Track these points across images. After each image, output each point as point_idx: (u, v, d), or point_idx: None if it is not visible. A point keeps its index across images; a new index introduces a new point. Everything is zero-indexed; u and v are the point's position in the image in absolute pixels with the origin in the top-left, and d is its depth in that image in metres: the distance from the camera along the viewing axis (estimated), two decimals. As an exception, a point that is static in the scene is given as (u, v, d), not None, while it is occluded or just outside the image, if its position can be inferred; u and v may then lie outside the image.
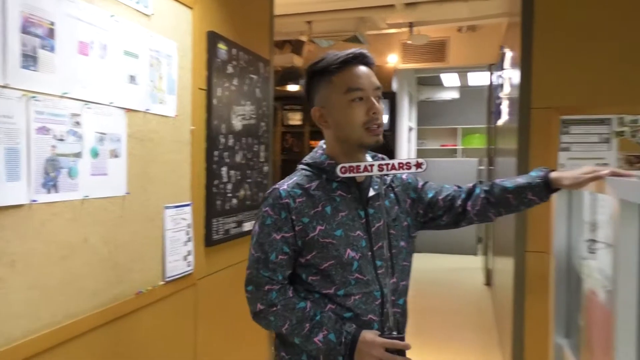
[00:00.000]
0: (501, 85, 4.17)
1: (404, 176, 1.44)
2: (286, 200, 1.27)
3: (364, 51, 1.31)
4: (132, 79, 1.73)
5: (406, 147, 6.89)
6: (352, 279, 1.27)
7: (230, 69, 2.42)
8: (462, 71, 6.67)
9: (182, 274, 2.04)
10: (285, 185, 1.31)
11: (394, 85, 5.95)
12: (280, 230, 1.26)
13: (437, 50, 5.44)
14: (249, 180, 2.65)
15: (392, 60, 5.64)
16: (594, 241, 1.74)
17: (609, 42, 2.69)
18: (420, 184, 1.47)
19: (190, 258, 2.09)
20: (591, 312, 1.63)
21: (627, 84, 2.67)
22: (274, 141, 3.13)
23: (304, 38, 4.94)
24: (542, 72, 2.75)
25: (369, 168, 1.21)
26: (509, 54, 3.70)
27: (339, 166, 1.22)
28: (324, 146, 1.38)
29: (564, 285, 1.82)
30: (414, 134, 7.81)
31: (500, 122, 4.29)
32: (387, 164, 1.21)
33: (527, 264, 2.71)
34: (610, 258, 1.67)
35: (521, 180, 1.38)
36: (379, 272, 1.29)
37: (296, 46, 5.16)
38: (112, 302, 1.64)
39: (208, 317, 2.30)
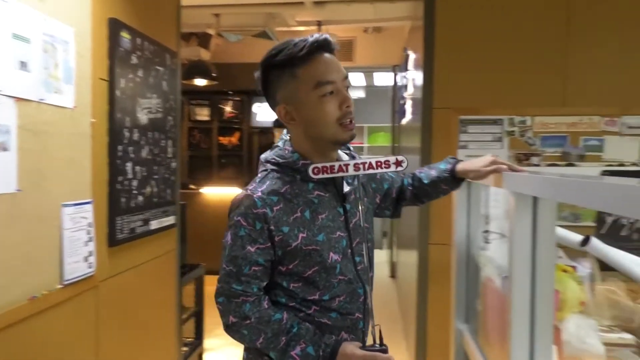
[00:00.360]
0: (405, 86, 4.35)
1: None
2: (263, 210, 1.14)
3: (328, 36, 1.18)
4: (23, 65, 1.59)
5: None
6: (336, 282, 1.21)
7: (134, 60, 2.30)
8: (368, 71, 6.88)
9: (83, 276, 1.91)
10: (259, 192, 1.17)
11: (303, 83, 5.99)
12: (255, 242, 1.15)
13: (344, 49, 5.56)
14: (155, 176, 2.54)
15: (301, 57, 5.68)
16: (489, 232, 1.88)
17: (502, 50, 2.91)
18: (378, 175, 1.43)
19: (92, 259, 1.96)
20: (488, 297, 1.76)
21: (516, 88, 2.91)
22: (180, 137, 3.03)
23: (211, 31, 4.82)
24: (442, 75, 2.92)
25: (344, 168, 1.13)
26: (412, 56, 3.87)
27: (311, 167, 1.13)
28: (289, 140, 1.26)
29: (463, 274, 1.95)
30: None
31: (404, 121, 4.48)
32: (364, 163, 1.14)
33: (430, 256, 2.86)
34: (503, 247, 1.81)
35: (433, 173, 1.46)
36: (358, 268, 1.25)
37: (203, 39, 5.02)
38: (1, 309, 1.50)
39: (111, 322, 2.18)
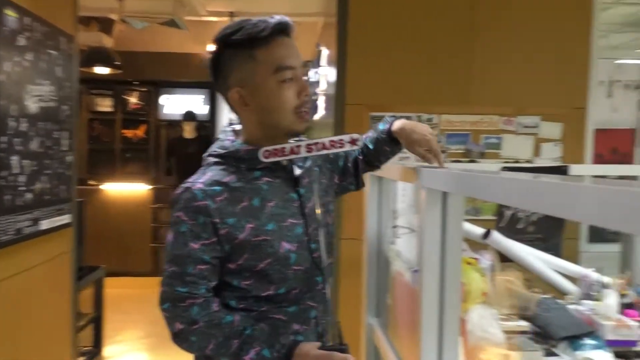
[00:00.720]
0: (317, 82, 4.36)
1: None
2: (204, 202, 1.06)
3: (288, 19, 1.10)
4: None
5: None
6: (291, 273, 1.13)
7: (22, 41, 2.07)
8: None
9: (-43, 284, 1.69)
10: (199, 183, 1.08)
11: (214, 75, 5.84)
12: (198, 238, 1.06)
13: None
14: (47, 171, 2.32)
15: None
16: (397, 227, 1.91)
17: (411, 49, 2.99)
18: (332, 155, 1.33)
19: (-31, 264, 1.74)
20: (397, 291, 1.79)
21: (425, 86, 3.01)
22: (79, 128, 2.80)
23: (114, 16, 4.52)
24: (355, 71, 2.95)
25: (296, 150, 1.07)
26: (325, 52, 3.88)
27: (262, 150, 1.07)
28: (235, 130, 1.20)
29: (374, 269, 1.97)
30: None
31: (317, 117, 4.49)
32: (317, 143, 1.07)
33: (342, 251, 2.88)
34: (411, 242, 1.85)
35: (372, 134, 1.32)
36: (314, 255, 1.17)
37: (105, 25, 4.70)
38: None
39: (-6, 332, 1.95)
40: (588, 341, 1.58)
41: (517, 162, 3.08)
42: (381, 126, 1.30)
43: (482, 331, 1.51)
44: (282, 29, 1.09)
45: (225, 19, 4.54)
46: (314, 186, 1.20)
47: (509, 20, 3.07)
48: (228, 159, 1.13)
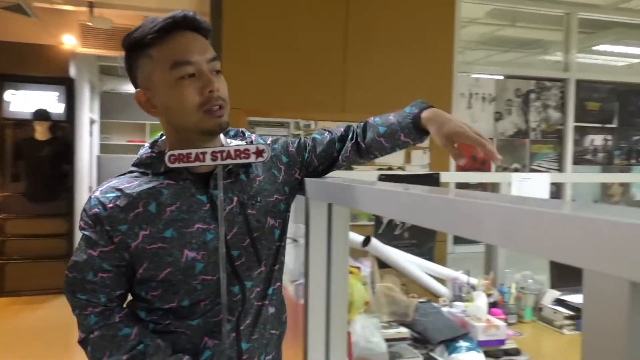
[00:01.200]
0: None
1: (268, 140, 1.21)
2: (95, 210, 1.01)
3: (190, 13, 1.03)
4: None
5: (88, 141, 6.22)
6: (197, 284, 1.03)
7: None
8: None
9: None
10: (98, 191, 1.04)
11: (72, 71, 5.28)
12: (96, 245, 1.01)
13: (118, 38, 5.07)
14: None
15: (69, 42, 4.98)
16: (280, 237, 1.83)
17: (288, 56, 2.96)
18: (293, 146, 1.21)
19: None
20: (278, 305, 1.71)
21: (301, 93, 2.99)
22: None
23: (-54, -3, 3.86)
24: (231, 75, 2.80)
25: (201, 157, 0.98)
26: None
27: (168, 154, 0.97)
28: (155, 139, 1.12)
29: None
30: (96, 127, 7.13)
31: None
32: (222, 152, 0.98)
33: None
34: (292, 253, 1.78)
35: (393, 119, 1.15)
36: (236, 264, 1.06)
37: None
38: None
39: None
40: (463, 343, 1.64)
41: (390, 169, 3.18)
42: (408, 109, 1.13)
43: (365, 341, 1.49)
44: (177, 23, 1.01)
45: (84, 8, 4.14)
46: (243, 187, 1.08)
47: (380, 33, 3.17)
48: (140, 167, 1.07)
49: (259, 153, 0.98)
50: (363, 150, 1.17)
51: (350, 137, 1.20)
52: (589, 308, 0.39)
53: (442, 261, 2.58)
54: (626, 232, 0.34)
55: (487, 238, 0.53)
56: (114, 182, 1.04)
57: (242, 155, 0.98)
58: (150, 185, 1.03)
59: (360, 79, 3.13)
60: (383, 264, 2.00)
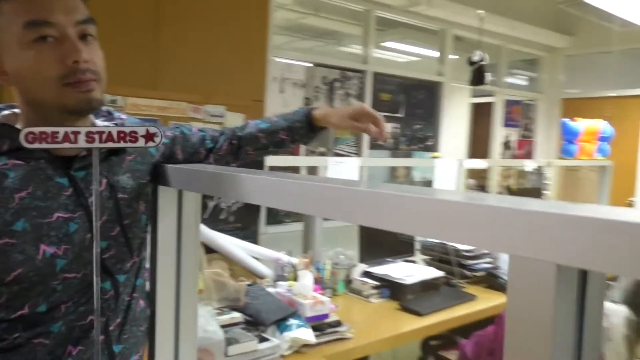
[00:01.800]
0: None
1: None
2: None
3: None
4: None
5: None
6: (57, 284, 0.85)
7: None
8: None
9: None
10: None
11: None
12: None
13: None
14: None
15: None
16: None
17: (112, 30, 2.64)
18: (168, 140, 1.06)
19: None
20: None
21: (108, 67, 2.70)
22: None
23: None
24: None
25: (72, 137, 0.75)
26: None
27: (24, 131, 0.73)
28: (3, 114, 0.89)
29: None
30: None
31: None
32: (101, 133, 0.76)
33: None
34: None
35: (277, 118, 1.14)
36: (105, 256, 0.90)
37: None
38: None
39: None
40: (293, 321, 1.71)
41: (205, 150, 3.10)
42: (295, 111, 1.14)
43: (203, 331, 1.45)
44: None
45: None
46: (105, 165, 0.92)
47: (194, 8, 3.04)
48: None
49: (149, 137, 0.79)
50: (235, 147, 1.13)
51: (225, 135, 1.14)
52: (513, 289, 0.44)
53: (258, 242, 2.64)
54: (549, 220, 0.39)
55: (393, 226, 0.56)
56: None
57: (128, 138, 0.79)
58: None
59: (173, 55, 2.96)
60: (209, 249, 1.96)
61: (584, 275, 0.42)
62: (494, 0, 4.71)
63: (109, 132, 0.76)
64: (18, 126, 0.87)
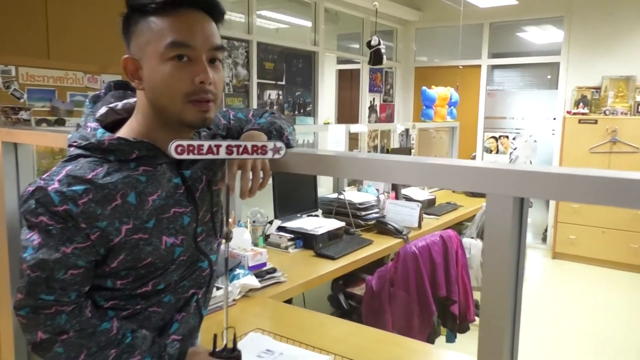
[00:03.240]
0: None
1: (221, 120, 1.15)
2: (64, 207, 0.87)
3: None
4: None
5: None
6: (174, 267, 1.00)
7: None
8: None
9: None
10: (55, 182, 0.88)
11: None
12: (69, 241, 0.89)
13: None
14: None
15: None
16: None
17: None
18: (224, 121, 1.16)
19: None
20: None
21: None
22: None
23: None
24: None
25: (215, 150, 0.88)
26: None
27: (174, 144, 0.85)
28: (101, 113, 0.99)
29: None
30: None
31: None
32: (239, 146, 0.90)
33: None
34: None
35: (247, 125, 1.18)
36: (198, 240, 1.04)
37: None
38: None
39: None
40: (239, 271, 1.97)
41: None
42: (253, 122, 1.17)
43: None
44: (191, 2, 0.92)
45: None
46: (202, 164, 1.04)
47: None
48: (93, 150, 0.93)
49: (276, 150, 0.93)
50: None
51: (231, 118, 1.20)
52: (490, 218, 0.78)
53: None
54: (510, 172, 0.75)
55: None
56: (72, 170, 0.90)
57: (260, 151, 0.93)
58: (124, 173, 0.93)
59: (65, 24, 2.88)
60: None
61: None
62: (361, -23, 5.15)
63: (245, 146, 0.91)
64: (123, 134, 0.97)
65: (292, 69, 4.84)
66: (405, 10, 5.94)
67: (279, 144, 0.93)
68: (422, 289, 2.41)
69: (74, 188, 0.88)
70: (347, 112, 6.48)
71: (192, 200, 1.01)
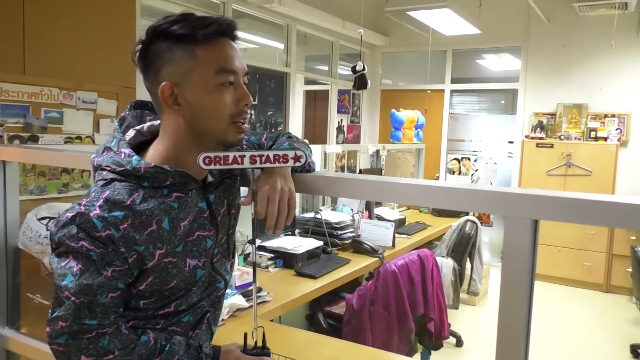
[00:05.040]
0: None
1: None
2: (107, 232, 0.89)
3: (234, 21, 0.98)
4: None
5: None
6: (195, 288, 1.03)
7: None
8: None
9: None
10: (96, 208, 0.90)
11: None
12: (109, 265, 0.91)
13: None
14: None
15: None
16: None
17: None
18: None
19: None
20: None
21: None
22: None
23: None
24: None
25: (239, 160, 0.94)
26: None
27: (202, 155, 0.92)
28: (130, 137, 1.03)
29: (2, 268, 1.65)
30: None
31: None
32: (261, 156, 0.95)
33: None
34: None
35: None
36: (214, 261, 1.07)
37: None
38: None
39: None
40: (227, 291, 1.98)
41: (79, 137, 3.03)
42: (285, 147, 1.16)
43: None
44: (226, 30, 0.97)
45: None
46: (223, 188, 1.07)
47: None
48: (127, 176, 0.95)
49: (296, 158, 0.96)
50: None
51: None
52: (508, 239, 0.85)
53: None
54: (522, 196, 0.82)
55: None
56: (111, 196, 0.91)
57: (282, 159, 0.96)
58: (159, 199, 0.95)
59: (42, 39, 2.83)
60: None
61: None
62: (330, 3, 5.29)
63: (267, 155, 0.96)
64: (150, 157, 0.99)
65: (265, 89, 4.89)
66: (373, 35, 6.11)
67: (299, 153, 0.97)
68: (402, 307, 2.47)
69: (114, 214, 0.90)
70: (312, 132, 6.58)
71: (215, 224, 1.04)
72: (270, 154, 0.96)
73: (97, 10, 3.13)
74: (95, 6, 3.11)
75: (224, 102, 0.96)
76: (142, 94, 3.41)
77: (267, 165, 0.97)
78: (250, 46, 5.32)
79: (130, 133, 1.04)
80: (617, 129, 5.33)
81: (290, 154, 0.97)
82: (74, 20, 2.99)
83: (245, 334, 1.06)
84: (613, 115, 5.37)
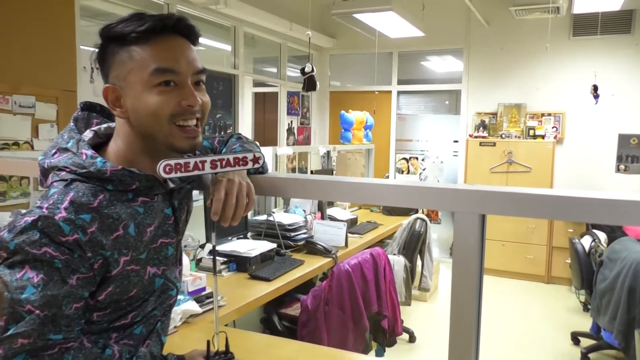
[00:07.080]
0: None
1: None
2: (74, 236, 0.83)
3: (183, 17, 0.93)
4: None
5: None
6: (152, 298, 0.98)
7: None
8: None
9: None
10: (61, 210, 0.84)
11: None
12: (75, 271, 0.84)
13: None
14: None
15: None
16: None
17: None
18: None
19: None
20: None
21: None
22: None
23: None
24: None
25: (200, 166, 0.90)
26: None
27: (162, 163, 0.87)
28: (89, 137, 0.98)
29: None
30: None
31: None
32: (222, 160, 0.92)
33: None
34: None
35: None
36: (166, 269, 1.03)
37: None
38: None
39: None
40: (179, 297, 1.94)
41: (16, 143, 2.89)
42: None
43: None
44: (167, 26, 0.91)
45: None
46: (184, 193, 1.04)
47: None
48: (89, 178, 0.90)
49: (255, 160, 0.96)
50: None
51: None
52: (458, 234, 0.88)
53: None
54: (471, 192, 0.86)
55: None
56: (76, 197, 0.85)
57: (241, 162, 0.94)
58: (125, 203, 0.90)
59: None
60: None
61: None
62: (277, 5, 5.29)
63: (228, 159, 0.93)
64: (108, 159, 0.93)
65: (213, 92, 4.82)
66: (320, 37, 6.15)
67: (258, 154, 0.96)
68: (356, 306, 2.50)
69: (82, 216, 0.85)
70: (262, 134, 6.54)
71: (177, 231, 1.02)
72: (231, 157, 0.94)
73: (32, 9, 2.99)
74: (30, 5, 2.97)
75: (161, 103, 0.90)
76: (84, 97, 3.34)
77: (228, 168, 0.94)
78: (198, 48, 5.23)
79: (89, 134, 0.99)
80: (553, 127, 5.60)
81: (250, 156, 0.95)
82: (7, 19, 2.85)
83: (208, 341, 1.04)
84: (549, 114, 5.65)
